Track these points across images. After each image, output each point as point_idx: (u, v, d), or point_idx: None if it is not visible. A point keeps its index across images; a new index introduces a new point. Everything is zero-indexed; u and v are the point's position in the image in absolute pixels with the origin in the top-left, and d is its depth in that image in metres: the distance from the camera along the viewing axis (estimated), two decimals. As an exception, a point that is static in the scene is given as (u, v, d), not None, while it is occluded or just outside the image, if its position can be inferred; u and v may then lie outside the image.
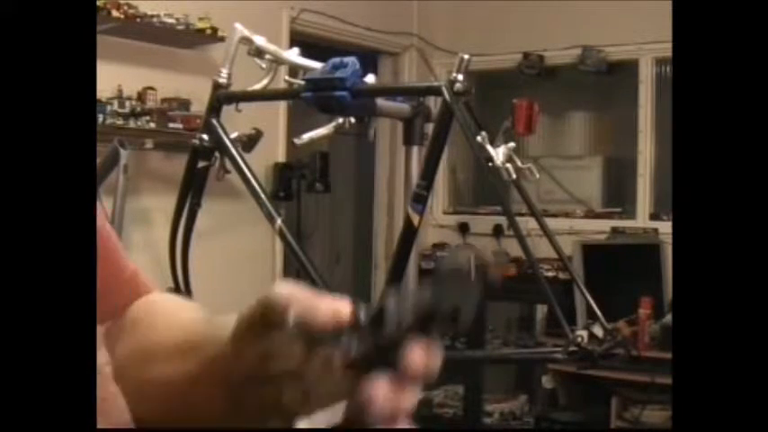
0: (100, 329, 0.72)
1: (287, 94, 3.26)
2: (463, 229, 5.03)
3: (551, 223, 3.32)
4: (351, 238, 6.07)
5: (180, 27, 3.93)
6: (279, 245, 4.13)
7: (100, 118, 3.63)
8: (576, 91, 5.20)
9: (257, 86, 2.99)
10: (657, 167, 4.77)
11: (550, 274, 3.92)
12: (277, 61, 2.97)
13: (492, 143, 2.63)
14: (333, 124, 3.01)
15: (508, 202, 3.00)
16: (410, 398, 0.55)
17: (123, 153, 3.41)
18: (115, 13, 3.67)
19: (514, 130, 3.14)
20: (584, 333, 2.74)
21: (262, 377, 0.54)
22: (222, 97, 3.04)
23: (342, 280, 5.79)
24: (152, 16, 3.82)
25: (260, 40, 2.95)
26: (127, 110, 3.80)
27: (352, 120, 2.95)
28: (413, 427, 0.56)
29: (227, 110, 3.05)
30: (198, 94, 3.74)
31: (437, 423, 4.80)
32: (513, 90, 4.73)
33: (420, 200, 2.74)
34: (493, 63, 4.89)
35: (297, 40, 4.31)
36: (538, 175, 2.80)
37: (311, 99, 2.65)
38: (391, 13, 5.22)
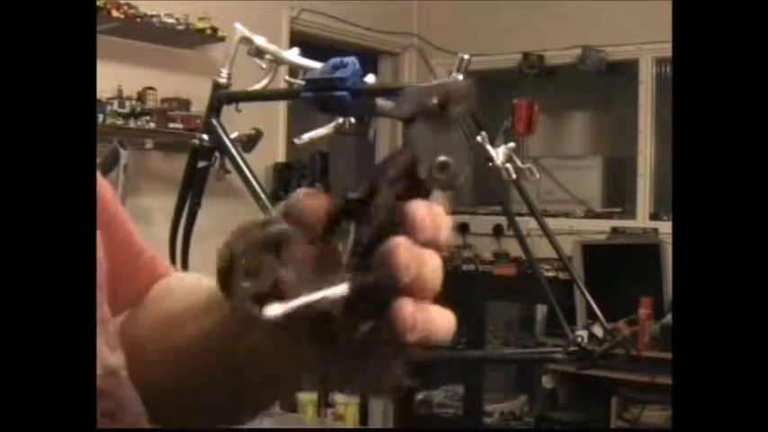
0: (119, 319, 0.72)
1: (287, 94, 3.26)
2: (463, 229, 5.03)
3: (551, 223, 3.32)
4: (351, 238, 6.06)
5: (180, 27, 3.93)
6: (279, 245, 4.12)
7: (100, 118, 3.63)
8: (575, 91, 5.20)
9: (257, 86, 2.99)
10: (657, 167, 4.77)
11: (550, 274, 3.91)
12: (277, 61, 2.97)
13: (492, 143, 2.64)
14: (333, 124, 3.01)
15: (508, 202, 3.00)
16: (433, 260, 0.50)
17: (123, 153, 3.41)
18: (115, 13, 3.67)
19: (514, 130, 3.15)
20: (584, 333, 2.74)
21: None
22: (222, 97, 3.03)
23: (342, 280, 5.78)
24: (152, 16, 3.82)
25: (260, 40, 2.95)
26: (127, 110, 3.80)
27: (352, 120, 2.94)
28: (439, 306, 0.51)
29: (227, 110, 3.04)
30: (198, 94, 3.74)
31: (437, 423, 4.80)
32: (513, 90, 4.73)
33: (420, 200, 2.73)
34: (493, 63, 4.89)
35: (297, 40, 4.31)
36: (538, 175, 2.80)
37: (311, 99, 2.64)
38: (391, 13, 5.22)
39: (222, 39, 3.77)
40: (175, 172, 3.34)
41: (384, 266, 0.49)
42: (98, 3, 3.56)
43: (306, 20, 4.70)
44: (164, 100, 3.96)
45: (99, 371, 0.61)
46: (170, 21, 3.89)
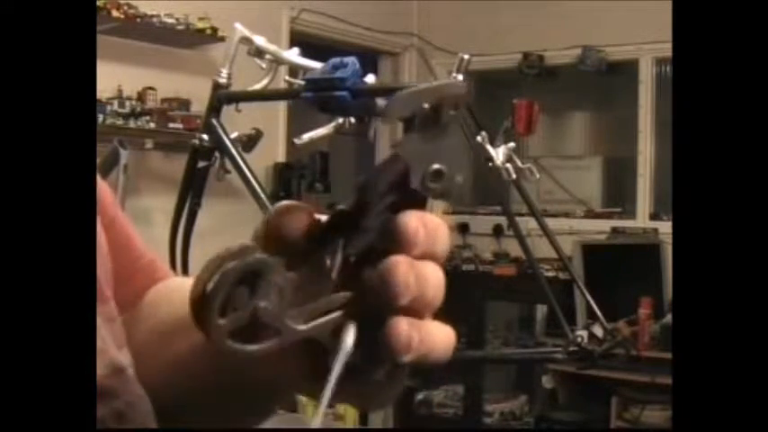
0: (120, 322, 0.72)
1: (287, 94, 3.26)
2: (463, 229, 5.04)
3: (551, 223, 3.33)
4: (351, 238, 6.06)
5: (180, 27, 3.93)
6: (279, 245, 4.12)
7: (100, 118, 3.64)
8: (575, 91, 5.20)
9: (257, 86, 2.99)
10: (657, 167, 4.77)
11: (550, 274, 3.92)
12: (277, 61, 2.97)
13: (492, 143, 2.64)
14: (333, 124, 3.01)
15: (508, 202, 3.00)
16: (435, 276, 0.48)
17: (123, 153, 3.41)
18: (115, 13, 3.68)
19: (514, 130, 3.15)
20: (584, 333, 2.75)
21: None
22: (222, 97, 3.03)
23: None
24: (152, 16, 3.82)
25: (260, 40, 2.95)
26: (127, 110, 3.80)
27: (352, 120, 2.94)
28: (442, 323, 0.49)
29: (227, 110, 3.04)
30: (198, 94, 3.74)
31: (437, 423, 4.81)
32: (513, 90, 4.73)
33: (420, 200, 2.73)
34: (493, 63, 4.89)
35: (297, 40, 4.31)
36: (538, 175, 2.80)
37: (311, 99, 2.65)
38: (391, 13, 5.22)
39: (222, 39, 3.77)
40: (175, 172, 3.34)
41: (382, 285, 0.47)
42: (98, 3, 3.57)
43: (306, 20, 4.70)
44: (164, 100, 3.96)
45: (106, 369, 0.61)
46: (170, 21, 3.89)
